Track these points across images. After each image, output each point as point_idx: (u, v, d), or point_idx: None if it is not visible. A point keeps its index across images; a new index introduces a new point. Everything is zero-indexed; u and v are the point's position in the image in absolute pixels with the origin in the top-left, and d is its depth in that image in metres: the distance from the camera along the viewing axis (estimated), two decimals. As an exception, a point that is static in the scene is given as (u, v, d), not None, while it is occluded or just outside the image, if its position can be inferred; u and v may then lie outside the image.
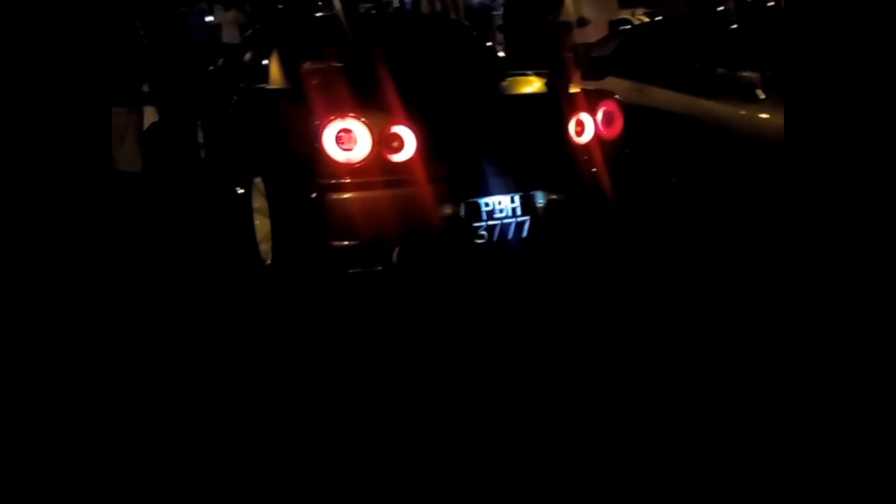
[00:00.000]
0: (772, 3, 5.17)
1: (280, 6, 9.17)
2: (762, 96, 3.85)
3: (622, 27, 6.27)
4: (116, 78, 4.54)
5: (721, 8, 5.29)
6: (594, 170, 3.60)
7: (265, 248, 3.78)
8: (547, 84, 3.86)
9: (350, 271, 3.31)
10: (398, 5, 12.62)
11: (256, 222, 3.88)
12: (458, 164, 3.39)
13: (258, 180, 3.81)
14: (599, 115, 3.67)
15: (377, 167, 3.23)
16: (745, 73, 3.95)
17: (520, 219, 3.43)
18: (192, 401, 2.62)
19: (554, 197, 3.50)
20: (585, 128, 3.63)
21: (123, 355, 2.83)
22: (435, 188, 3.27)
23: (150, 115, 5.16)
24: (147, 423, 2.45)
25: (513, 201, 3.42)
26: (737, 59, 4.15)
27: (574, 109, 3.64)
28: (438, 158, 3.31)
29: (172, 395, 2.65)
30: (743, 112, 3.95)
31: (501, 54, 4.85)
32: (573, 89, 3.81)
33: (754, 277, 3.40)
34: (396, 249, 3.30)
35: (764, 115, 3.85)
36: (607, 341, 2.97)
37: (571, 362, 2.82)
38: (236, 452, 2.29)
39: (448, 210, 3.32)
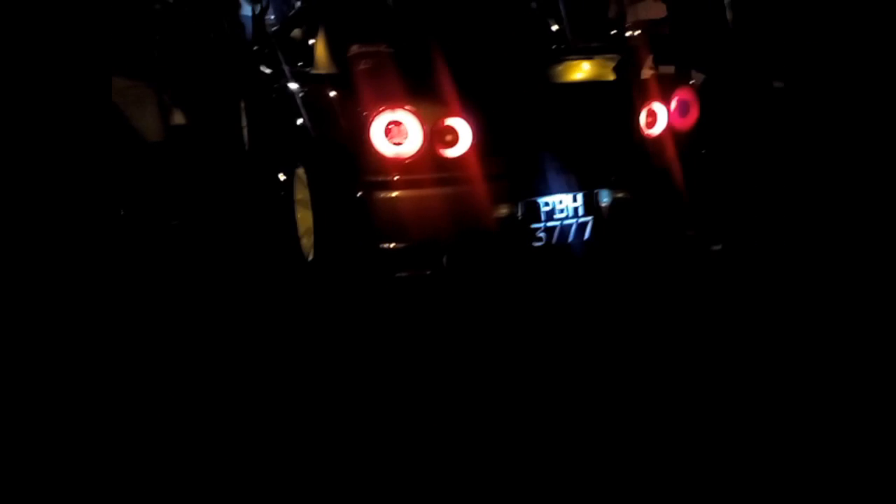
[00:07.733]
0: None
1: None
2: None
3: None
4: (119, 48, 4.34)
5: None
6: (666, 165, 3.29)
7: (307, 242, 3.55)
8: (615, 69, 3.53)
9: (397, 275, 3.07)
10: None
11: (298, 215, 3.66)
12: (516, 160, 3.12)
13: (300, 171, 3.59)
14: (673, 105, 3.35)
15: (429, 163, 2.98)
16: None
17: (582, 220, 3.14)
18: (221, 396, 2.45)
19: (620, 195, 3.20)
20: (657, 119, 3.31)
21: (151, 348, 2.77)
22: (491, 186, 3.01)
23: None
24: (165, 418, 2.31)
25: (575, 200, 3.14)
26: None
27: (644, 98, 3.32)
28: (495, 154, 3.05)
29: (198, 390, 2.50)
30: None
31: (555, 28, 4.39)
32: (643, 75, 3.48)
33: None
34: (448, 252, 3.05)
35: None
36: (672, 351, 2.68)
37: (634, 373, 2.54)
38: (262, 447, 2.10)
39: (504, 210, 3.06)
